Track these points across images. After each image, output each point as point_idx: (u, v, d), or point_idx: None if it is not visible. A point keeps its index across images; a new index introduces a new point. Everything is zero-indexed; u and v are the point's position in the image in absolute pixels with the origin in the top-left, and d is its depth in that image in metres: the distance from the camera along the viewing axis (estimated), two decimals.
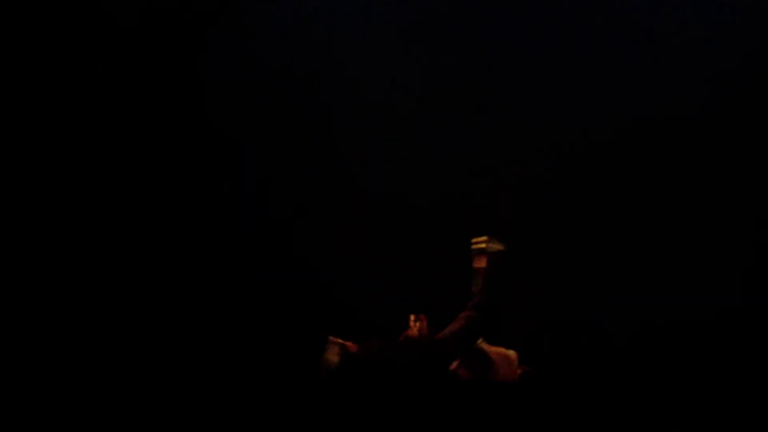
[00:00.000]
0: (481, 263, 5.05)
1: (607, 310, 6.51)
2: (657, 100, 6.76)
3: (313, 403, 6.07)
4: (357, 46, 7.06)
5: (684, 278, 6.53)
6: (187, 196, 6.97)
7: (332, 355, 4.72)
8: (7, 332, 6.31)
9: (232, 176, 7.05)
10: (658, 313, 6.50)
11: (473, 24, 7.02)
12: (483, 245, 5.05)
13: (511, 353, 4.91)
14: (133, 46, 6.88)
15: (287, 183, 7.06)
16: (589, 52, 6.89)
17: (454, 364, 4.81)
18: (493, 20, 6.96)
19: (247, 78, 7.07)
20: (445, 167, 7.00)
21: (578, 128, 6.86)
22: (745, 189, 6.58)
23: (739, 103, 6.63)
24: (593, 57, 6.89)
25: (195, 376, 6.43)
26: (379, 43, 7.07)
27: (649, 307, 6.52)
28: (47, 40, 6.75)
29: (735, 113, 6.65)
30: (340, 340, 4.73)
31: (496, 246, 5.06)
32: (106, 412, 5.86)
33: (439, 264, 6.80)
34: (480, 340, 4.87)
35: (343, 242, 6.97)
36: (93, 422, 5.67)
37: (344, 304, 6.79)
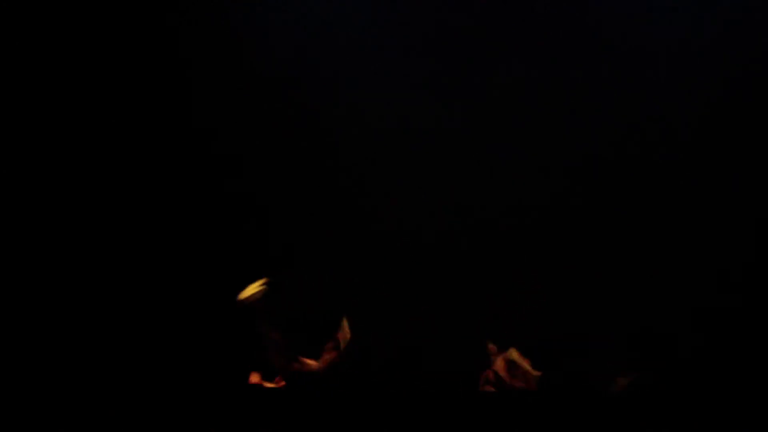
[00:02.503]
0: None
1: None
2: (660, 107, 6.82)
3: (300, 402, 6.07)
4: (351, 46, 7.07)
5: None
6: (178, 197, 6.98)
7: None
8: (8, 332, 6.31)
9: (224, 177, 7.05)
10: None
11: (472, 30, 7.03)
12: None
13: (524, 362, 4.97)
14: (129, 47, 6.88)
15: (282, 183, 7.07)
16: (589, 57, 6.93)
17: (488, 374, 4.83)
18: (495, 23, 6.98)
19: (238, 79, 7.06)
20: (443, 168, 7.02)
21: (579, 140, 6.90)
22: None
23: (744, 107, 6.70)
24: (593, 63, 6.93)
25: (194, 375, 6.43)
26: (376, 44, 7.08)
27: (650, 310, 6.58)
28: (39, 39, 6.75)
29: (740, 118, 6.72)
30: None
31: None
32: (106, 412, 5.85)
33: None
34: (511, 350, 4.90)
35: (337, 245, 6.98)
36: (93, 422, 5.66)
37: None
